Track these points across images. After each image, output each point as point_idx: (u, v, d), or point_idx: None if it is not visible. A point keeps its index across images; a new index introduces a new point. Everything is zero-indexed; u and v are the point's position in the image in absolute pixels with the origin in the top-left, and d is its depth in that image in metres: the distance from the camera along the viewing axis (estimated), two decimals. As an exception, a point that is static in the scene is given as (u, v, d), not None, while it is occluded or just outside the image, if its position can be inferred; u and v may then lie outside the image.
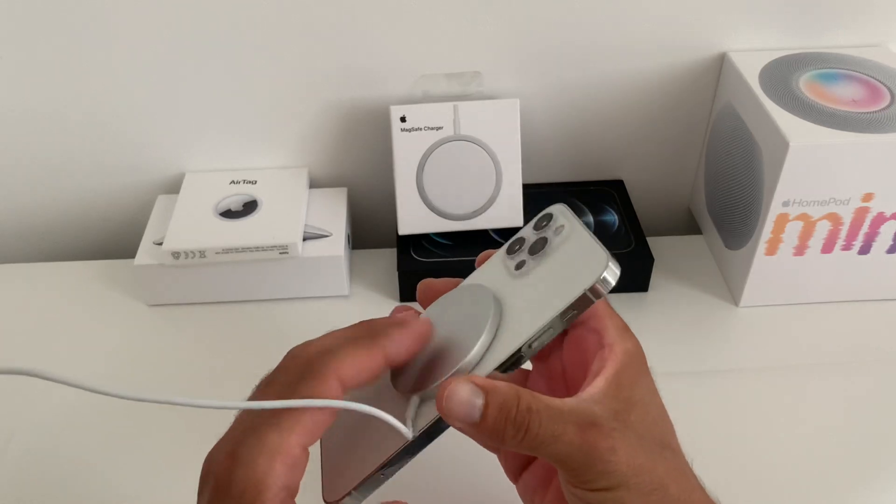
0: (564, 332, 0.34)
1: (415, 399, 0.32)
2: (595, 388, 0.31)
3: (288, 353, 0.33)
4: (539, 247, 0.34)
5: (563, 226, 0.34)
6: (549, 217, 0.35)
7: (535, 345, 0.31)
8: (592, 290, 0.31)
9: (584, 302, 0.31)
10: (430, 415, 0.31)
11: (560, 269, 0.32)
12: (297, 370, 0.31)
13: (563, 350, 0.35)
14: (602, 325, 0.33)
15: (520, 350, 0.31)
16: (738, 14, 0.56)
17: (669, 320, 0.56)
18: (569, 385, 0.35)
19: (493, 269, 0.36)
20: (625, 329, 0.33)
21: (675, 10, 0.56)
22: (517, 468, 0.36)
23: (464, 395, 0.30)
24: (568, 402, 0.30)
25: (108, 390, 0.28)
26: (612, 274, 0.31)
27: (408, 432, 0.31)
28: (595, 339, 0.33)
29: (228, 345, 0.54)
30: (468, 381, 0.30)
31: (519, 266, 0.34)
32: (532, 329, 0.31)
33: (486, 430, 0.30)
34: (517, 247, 0.35)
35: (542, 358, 0.37)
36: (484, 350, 0.32)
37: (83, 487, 0.45)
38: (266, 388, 0.31)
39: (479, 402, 0.30)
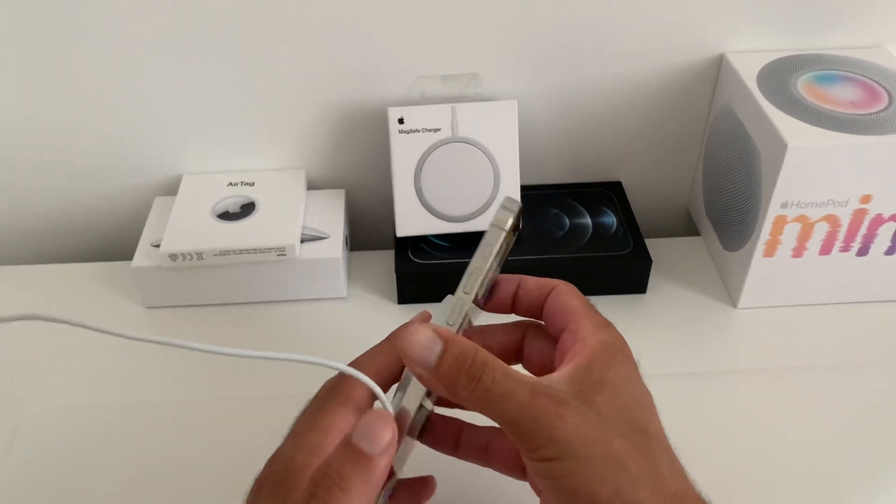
0: (553, 342, 0.36)
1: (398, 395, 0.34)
2: (561, 372, 0.32)
3: None
4: None
5: None
6: None
7: (481, 291, 0.35)
8: (496, 223, 0.35)
9: (493, 236, 0.35)
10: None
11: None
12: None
13: (553, 363, 0.36)
14: (578, 325, 0.34)
15: (464, 307, 0.34)
16: (735, 16, 0.56)
17: (667, 322, 0.55)
18: None
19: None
20: (603, 325, 0.34)
21: (673, 11, 0.56)
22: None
23: (423, 338, 0.31)
24: (526, 375, 0.31)
25: (124, 333, 0.30)
26: (506, 210, 0.35)
27: (388, 404, 0.33)
28: (573, 339, 0.34)
29: (226, 347, 0.54)
30: (428, 327, 0.32)
31: None
32: (470, 283, 0.35)
33: (440, 377, 0.31)
34: None
35: (538, 373, 0.37)
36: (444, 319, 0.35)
37: (85, 489, 0.45)
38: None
39: (438, 347, 0.31)
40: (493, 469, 0.38)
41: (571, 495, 0.29)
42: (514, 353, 0.38)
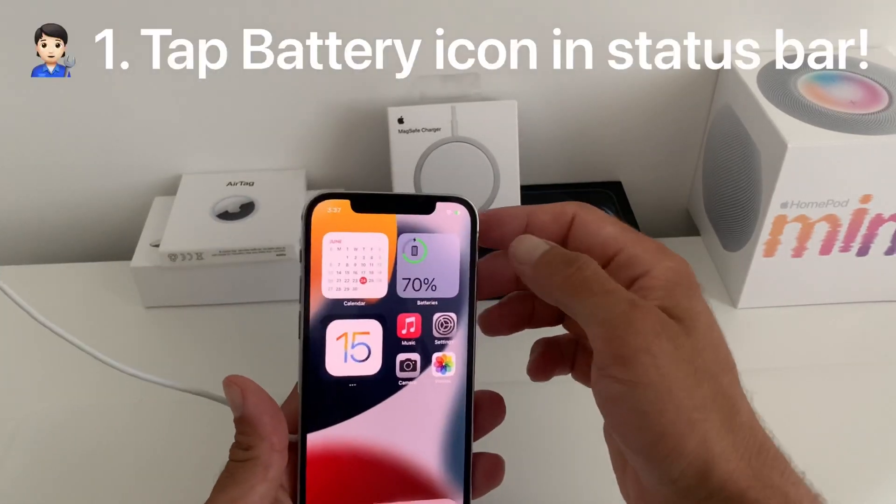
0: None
1: None
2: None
3: None
4: None
5: None
6: None
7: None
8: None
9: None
10: None
11: None
12: None
13: None
14: (630, 255, 0.30)
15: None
16: (736, 15, 0.56)
17: (668, 322, 0.55)
18: None
19: None
20: (658, 248, 0.31)
21: (673, 11, 0.56)
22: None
23: (533, 240, 0.31)
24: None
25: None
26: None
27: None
28: (632, 271, 0.30)
29: (226, 347, 0.54)
30: (535, 237, 0.32)
31: None
32: None
33: (540, 266, 0.30)
34: None
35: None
36: None
37: (85, 489, 0.45)
38: None
39: (544, 248, 0.31)
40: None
41: (644, 433, 0.27)
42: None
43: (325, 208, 0.32)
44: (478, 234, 0.33)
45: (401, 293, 0.33)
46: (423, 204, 0.33)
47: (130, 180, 0.62)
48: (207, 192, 0.59)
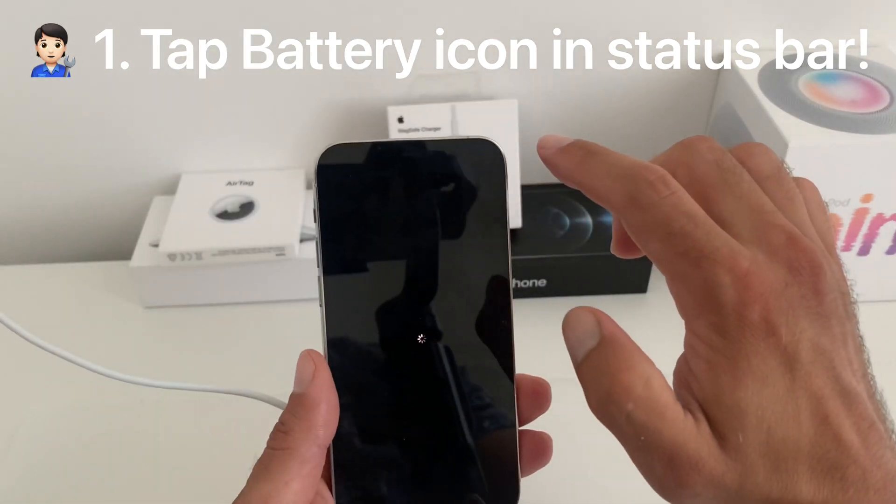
0: None
1: None
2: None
3: None
4: None
5: None
6: None
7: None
8: None
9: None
10: None
11: None
12: None
13: None
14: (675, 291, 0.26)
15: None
16: (736, 15, 0.56)
17: (668, 321, 0.54)
18: None
19: None
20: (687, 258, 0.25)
21: (674, 10, 0.56)
22: None
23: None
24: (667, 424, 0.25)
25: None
26: None
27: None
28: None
29: (225, 347, 0.54)
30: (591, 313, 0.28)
31: None
32: None
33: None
34: None
35: None
36: None
37: (84, 489, 0.45)
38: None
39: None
40: None
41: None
42: None
43: None
44: (507, 177, 0.30)
45: None
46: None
47: (130, 180, 0.62)
48: (207, 191, 0.59)
